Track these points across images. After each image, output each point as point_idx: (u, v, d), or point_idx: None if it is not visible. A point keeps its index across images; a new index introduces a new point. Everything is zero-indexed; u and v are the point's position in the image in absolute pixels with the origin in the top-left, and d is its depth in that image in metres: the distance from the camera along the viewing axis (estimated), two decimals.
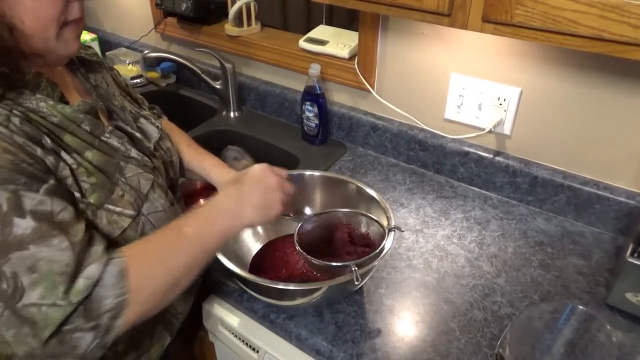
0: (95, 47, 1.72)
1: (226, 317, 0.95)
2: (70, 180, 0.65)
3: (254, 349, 0.93)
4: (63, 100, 0.69)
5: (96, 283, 0.59)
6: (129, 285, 0.61)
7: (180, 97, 1.66)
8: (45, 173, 0.61)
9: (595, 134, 1.02)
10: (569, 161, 1.07)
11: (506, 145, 1.14)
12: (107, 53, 1.76)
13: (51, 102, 0.66)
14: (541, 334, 0.73)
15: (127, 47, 1.80)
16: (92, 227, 0.65)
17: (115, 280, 0.60)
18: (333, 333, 0.83)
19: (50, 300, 0.56)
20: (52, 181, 0.61)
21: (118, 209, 0.69)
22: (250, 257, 0.98)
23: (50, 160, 0.62)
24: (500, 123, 1.10)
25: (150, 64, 1.46)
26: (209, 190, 1.03)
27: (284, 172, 0.84)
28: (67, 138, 0.66)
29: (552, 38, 0.72)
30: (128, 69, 1.70)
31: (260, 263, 0.97)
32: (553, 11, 0.69)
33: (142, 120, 0.86)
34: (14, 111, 0.61)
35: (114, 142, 0.74)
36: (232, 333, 0.96)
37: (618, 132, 0.99)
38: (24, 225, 0.57)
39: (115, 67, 1.71)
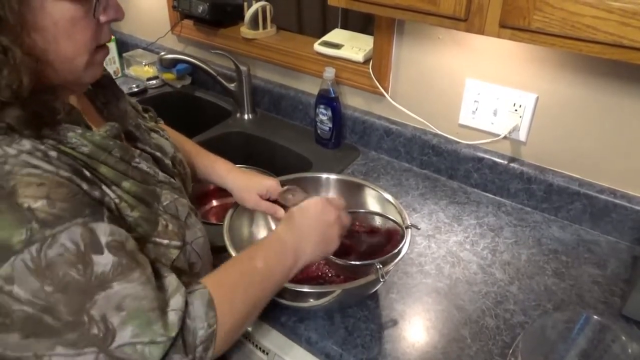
0: (113, 48, 1.74)
1: None
2: (116, 214, 0.61)
3: (263, 351, 0.93)
4: (87, 126, 0.64)
5: (184, 314, 0.57)
6: (217, 315, 0.60)
7: (195, 99, 1.68)
8: (99, 204, 0.58)
9: (612, 142, 1.00)
10: (585, 169, 1.06)
11: (521, 152, 1.13)
12: (124, 54, 1.78)
13: (79, 131, 0.60)
14: (554, 343, 0.72)
15: (143, 48, 1.82)
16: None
17: (205, 311, 0.59)
18: (343, 337, 0.83)
19: (148, 337, 0.54)
20: (107, 212, 0.58)
21: (165, 242, 0.66)
22: None
23: (96, 194, 0.58)
24: (515, 129, 1.09)
25: (166, 65, 1.48)
26: (221, 191, 1.03)
27: (340, 203, 0.82)
28: (103, 169, 0.61)
29: (571, 44, 0.71)
30: (144, 70, 1.72)
31: None
32: (572, 17, 0.68)
33: (153, 134, 0.81)
34: (47, 145, 0.56)
35: (144, 166, 0.68)
36: (242, 335, 0.96)
37: (635, 141, 0.97)
38: (103, 262, 0.54)
39: (131, 68, 1.74)
